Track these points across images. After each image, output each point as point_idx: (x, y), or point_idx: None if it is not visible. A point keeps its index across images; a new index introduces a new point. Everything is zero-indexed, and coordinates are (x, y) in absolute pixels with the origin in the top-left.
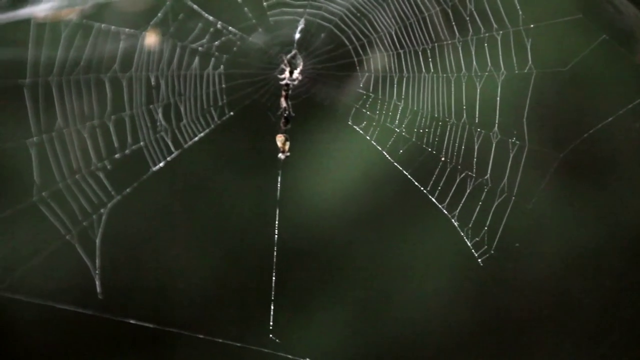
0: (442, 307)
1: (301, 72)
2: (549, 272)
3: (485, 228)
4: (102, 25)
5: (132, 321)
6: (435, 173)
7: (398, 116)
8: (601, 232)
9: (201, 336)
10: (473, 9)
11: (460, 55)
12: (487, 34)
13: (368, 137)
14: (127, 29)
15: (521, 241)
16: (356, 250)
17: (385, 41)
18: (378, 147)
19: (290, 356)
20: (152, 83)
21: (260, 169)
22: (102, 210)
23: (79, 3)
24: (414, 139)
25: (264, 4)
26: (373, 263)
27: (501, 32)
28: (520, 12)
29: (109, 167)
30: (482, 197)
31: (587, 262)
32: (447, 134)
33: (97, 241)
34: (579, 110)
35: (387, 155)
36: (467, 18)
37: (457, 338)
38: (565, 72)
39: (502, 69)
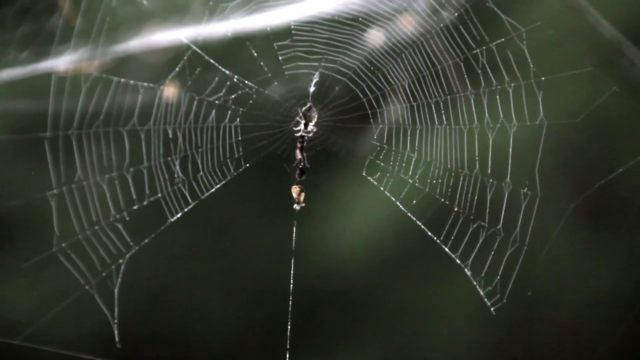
0: (463, 352)
1: (316, 125)
2: (565, 318)
3: (498, 277)
4: (122, 80)
5: None
6: (449, 223)
7: (411, 167)
8: (615, 279)
9: None
10: (485, 62)
11: (473, 107)
12: (499, 87)
13: (382, 188)
14: (145, 83)
15: (535, 289)
16: (373, 296)
17: (399, 94)
18: (392, 198)
19: None
20: (170, 136)
21: (277, 219)
22: (120, 261)
23: (98, 56)
24: (427, 190)
25: (280, 57)
26: (392, 309)
27: (513, 84)
28: (532, 65)
29: (127, 218)
30: (495, 246)
31: (601, 309)
32: (460, 184)
33: (116, 291)
34: (591, 161)
35: (401, 206)
36: (479, 71)
37: None
38: (577, 123)
39: (514, 120)
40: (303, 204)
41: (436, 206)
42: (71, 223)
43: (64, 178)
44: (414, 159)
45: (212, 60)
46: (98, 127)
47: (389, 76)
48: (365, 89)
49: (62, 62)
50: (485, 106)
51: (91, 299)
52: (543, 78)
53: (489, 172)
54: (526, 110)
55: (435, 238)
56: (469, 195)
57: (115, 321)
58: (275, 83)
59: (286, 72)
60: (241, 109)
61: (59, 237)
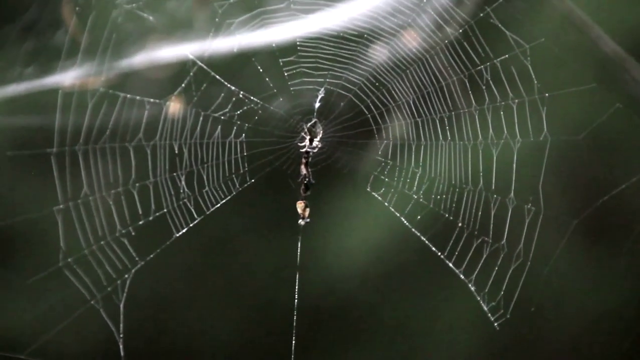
0: None
1: (321, 140)
2: (567, 334)
3: (502, 293)
4: (128, 95)
5: None
6: (453, 238)
7: (416, 183)
8: (619, 295)
9: None
10: (489, 78)
11: (477, 123)
12: (503, 103)
13: (386, 204)
14: (151, 99)
15: (538, 305)
16: (377, 311)
17: (404, 110)
18: (396, 214)
19: None
20: (176, 151)
21: (282, 234)
22: (126, 276)
23: (104, 72)
24: (431, 205)
25: (285, 73)
26: (396, 323)
27: (517, 100)
28: (536, 82)
29: (133, 233)
30: (499, 262)
31: (604, 325)
32: (464, 200)
33: (121, 306)
34: (594, 176)
35: (405, 222)
36: (484, 87)
37: None
38: (580, 139)
39: (518, 136)
40: (308, 219)
41: (440, 222)
42: (77, 238)
43: (70, 193)
44: (418, 175)
45: (217, 76)
46: (104, 142)
47: (393, 92)
48: (370, 104)
49: (68, 77)
50: (490, 122)
51: (97, 314)
52: (547, 94)
53: (493, 187)
54: (530, 126)
55: (439, 253)
56: (473, 210)
57: (121, 336)
58: (281, 99)
59: (291, 88)
60: (247, 125)
61: (65, 252)
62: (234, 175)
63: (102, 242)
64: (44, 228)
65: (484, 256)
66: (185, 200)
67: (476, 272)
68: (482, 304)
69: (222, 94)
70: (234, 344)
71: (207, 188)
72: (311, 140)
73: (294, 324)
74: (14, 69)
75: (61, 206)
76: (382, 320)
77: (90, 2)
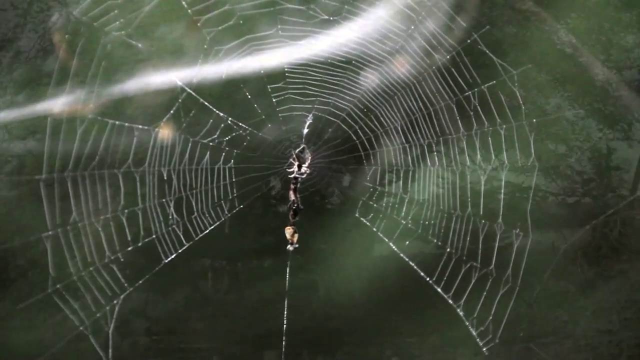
0: None
1: (309, 166)
2: (556, 358)
3: (490, 317)
4: (117, 122)
5: None
6: (441, 264)
7: (404, 208)
8: (607, 318)
9: None
10: (477, 104)
11: (465, 148)
12: (490, 128)
13: (375, 229)
14: (140, 125)
15: (527, 329)
16: (368, 333)
17: (392, 135)
18: (385, 239)
19: None
20: (165, 177)
21: (270, 259)
22: (115, 302)
23: (94, 99)
24: (420, 231)
25: (273, 100)
26: (387, 350)
27: (504, 126)
28: (523, 107)
29: (122, 259)
30: (487, 287)
31: (593, 348)
32: (452, 225)
33: (110, 332)
34: (583, 201)
35: (394, 247)
36: (472, 112)
37: None
38: (568, 164)
39: (506, 161)
40: (296, 245)
41: (429, 247)
42: (66, 264)
43: (59, 220)
44: (406, 200)
45: (206, 103)
46: (93, 169)
47: (382, 118)
48: (359, 130)
49: (58, 104)
50: (477, 148)
51: (87, 339)
52: (534, 119)
53: (481, 213)
54: (518, 151)
55: (427, 279)
56: (462, 236)
57: None
58: (269, 125)
59: (280, 114)
60: (235, 151)
61: (54, 278)
62: (222, 201)
63: (91, 269)
64: (35, 254)
65: (472, 281)
66: (174, 226)
67: (465, 297)
68: (471, 329)
69: (211, 121)
70: None
71: (195, 214)
72: (299, 166)
73: (283, 349)
74: (4, 95)
75: (50, 232)
76: (371, 343)
77: (79, 30)
